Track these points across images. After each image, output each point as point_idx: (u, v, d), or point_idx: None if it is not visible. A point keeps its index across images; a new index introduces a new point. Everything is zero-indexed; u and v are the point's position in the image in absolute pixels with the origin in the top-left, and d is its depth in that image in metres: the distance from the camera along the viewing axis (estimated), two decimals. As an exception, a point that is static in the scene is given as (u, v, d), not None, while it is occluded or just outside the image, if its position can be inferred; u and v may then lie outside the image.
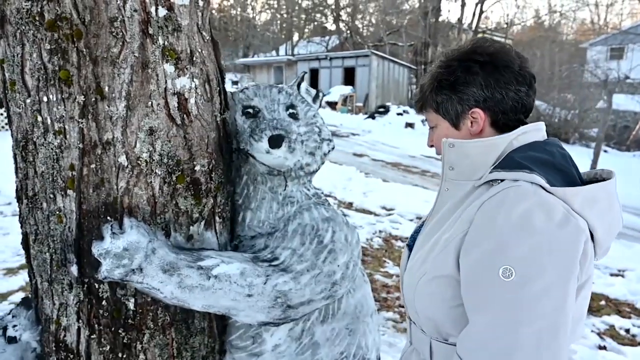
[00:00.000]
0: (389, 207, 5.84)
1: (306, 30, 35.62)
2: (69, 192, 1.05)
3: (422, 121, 16.41)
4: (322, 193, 1.55)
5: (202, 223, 1.21)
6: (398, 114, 16.85)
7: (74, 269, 1.08)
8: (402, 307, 3.45)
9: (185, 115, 1.12)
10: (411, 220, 5.46)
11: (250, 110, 1.34)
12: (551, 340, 0.74)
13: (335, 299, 1.36)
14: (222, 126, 1.25)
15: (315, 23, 35.08)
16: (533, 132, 0.95)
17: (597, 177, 0.95)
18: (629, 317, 3.53)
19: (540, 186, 0.81)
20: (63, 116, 1.02)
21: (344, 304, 1.41)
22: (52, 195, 1.08)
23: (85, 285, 1.09)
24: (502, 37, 25.89)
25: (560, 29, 30.10)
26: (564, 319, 0.76)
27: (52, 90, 1.01)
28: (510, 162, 0.89)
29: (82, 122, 1.02)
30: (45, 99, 1.02)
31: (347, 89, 18.56)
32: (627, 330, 3.32)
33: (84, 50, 0.99)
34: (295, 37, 34.30)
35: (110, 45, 1.00)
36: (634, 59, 14.58)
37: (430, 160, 10.62)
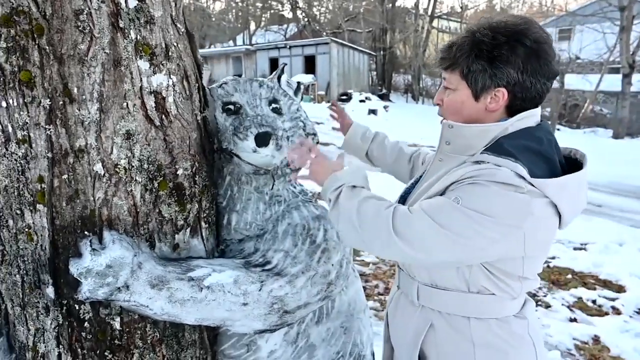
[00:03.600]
0: (359, 195, 5.84)
1: (263, 18, 34.96)
2: (39, 206, 0.95)
3: (385, 107, 16.55)
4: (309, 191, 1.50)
5: (188, 230, 1.13)
6: (360, 101, 16.90)
7: (50, 291, 0.98)
8: (381, 294, 3.47)
9: (164, 116, 1.03)
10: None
11: (231, 107, 1.26)
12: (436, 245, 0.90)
13: (330, 299, 1.32)
14: (203, 125, 1.17)
15: (272, 11, 34.50)
16: (528, 118, 0.98)
17: (570, 156, 1.04)
18: (594, 289, 3.70)
19: (521, 176, 0.89)
20: (27, 123, 0.91)
21: (337, 303, 1.37)
22: (18, 212, 0.97)
23: (64, 308, 0.99)
24: (457, 21, 26.40)
25: (511, 11, 31.02)
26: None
27: (12, 94, 0.90)
28: (500, 147, 0.95)
29: (49, 129, 0.91)
30: (4, 104, 0.91)
31: (309, 78, 18.43)
32: (594, 302, 3.48)
33: (47, 47, 0.88)
34: (252, 26, 33.65)
35: (76, 42, 0.89)
36: (583, 39, 15.22)
37: (395, 145, 10.71)
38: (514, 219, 0.89)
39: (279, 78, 1.41)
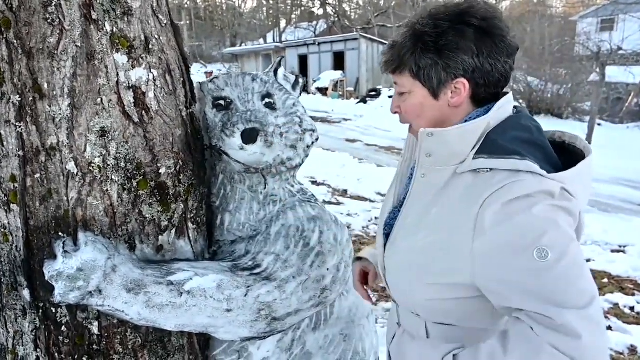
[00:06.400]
0: (384, 193, 5.72)
1: (293, 16, 35.06)
2: (13, 206, 0.92)
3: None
4: (315, 182, 1.43)
5: (173, 231, 1.09)
6: (390, 97, 16.66)
7: (25, 293, 0.95)
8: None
9: (143, 112, 0.98)
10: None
11: (222, 102, 1.21)
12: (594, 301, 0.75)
13: (327, 305, 1.24)
14: (189, 121, 1.12)
15: (302, 8, 34.52)
16: (506, 105, 0.90)
17: (555, 139, 0.96)
18: (633, 294, 3.46)
19: (539, 174, 0.80)
20: (-3, 120, 0.88)
21: (337, 309, 1.29)
22: (-6, 211, 0.94)
23: (41, 310, 0.96)
24: (491, 13, 25.52)
25: (549, 2, 29.82)
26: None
27: (-19, 90, 0.87)
28: (494, 146, 0.84)
29: (20, 126, 0.88)
30: (-26, 101, 0.88)
31: (337, 74, 18.31)
32: (632, 308, 3.25)
33: (15, 41, 0.85)
34: (283, 23, 33.79)
35: (46, 35, 0.85)
36: (626, 29, 14.39)
37: (424, 142, 10.47)
38: (571, 232, 0.79)
39: (275, 71, 1.34)
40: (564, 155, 0.90)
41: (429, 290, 0.92)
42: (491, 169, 0.83)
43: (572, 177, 0.82)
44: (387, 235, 1.03)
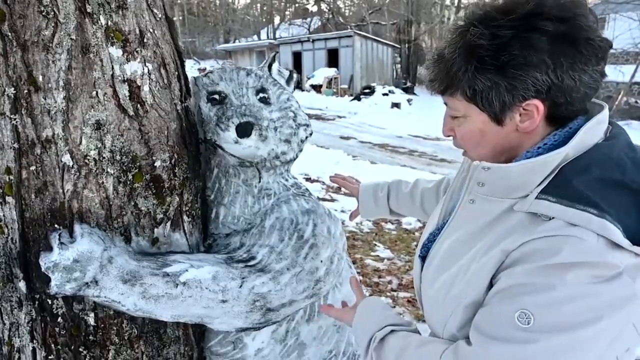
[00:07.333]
0: (377, 190, 5.74)
1: (287, 12, 34.94)
2: (8, 198, 0.93)
3: (408, 101, 16.28)
4: (309, 179, 1.44)
5: (168, 224, 1.10)
6: (384, 94, 16.67)
7: (21, 285, 0.96)
8: (395, 291, 3.39)
9: (139, 105, 0.99)
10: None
11: (216, 97, 1.21)
12: None
13: (321, 297, 1.26)
14: (184, 115, 1.12)
15: (297, 5, 34.41)
16: (596, 127, 0.68)
17: None
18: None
19: (615, 244, 0.60)
20: (-8, 112, 0.89)
21: (330, 300, 1.31)
22: (-11, 204, 0.95)
23: (37, 302, 0.97)
24: (484, 11, 25.64)
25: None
26: None
27: (-24, 82, 0.88)
28: (567, 188, 0.64)
29: (15, 118, 0.88)
30: (-31, 93, 0.89)
31: (331, 71, 18.30)
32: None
33: (10, 34, 0.85)
34: (277, 20, 33.68)
35: (40, 27, 0.86)
36: (616, 28, 14.52)
37: (417, 139, 10.53)
38: (616, 318, 0.60)
39: (269, 66, 1.35)
40: None
41: (462, 320, 0.75)
42: (553, 218, 0.64)
43: None
44: (422, 259, 0.88)
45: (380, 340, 0.81)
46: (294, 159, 1.32)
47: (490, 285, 0.69)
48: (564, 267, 0.61)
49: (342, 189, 1.45)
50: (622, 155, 0.66)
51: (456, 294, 0.74)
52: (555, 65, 0.64)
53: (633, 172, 0.65)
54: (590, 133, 0.68)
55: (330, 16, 28.34)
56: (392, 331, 0.81)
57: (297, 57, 20.31)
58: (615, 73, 13.15)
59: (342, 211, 4.86)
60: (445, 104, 0.77)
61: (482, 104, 0.69)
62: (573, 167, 0.66)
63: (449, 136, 0.80)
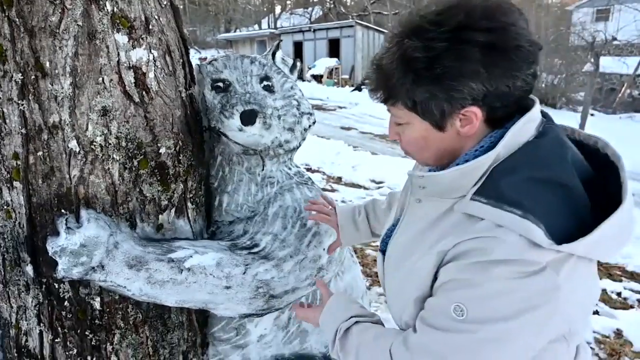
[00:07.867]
0: (378, 180, 5.75)
1: (288, 2, 34.66)
2: (15, 183, 0.94)
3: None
4: (310, 169, 1.44)
5: (173, 210, 1.11)
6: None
7: (29, 269, 0.97)
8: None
9: (144, 92, 0.99)
10: (401, 192, 5.38)
11: (220, 84, 1.22)
12: None
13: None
14: (188, 103, 1.13)
15: (298, -6, 34.11)
16: (526, 125, 0.71)
17: (596, 147, 0.77)
18: (620, 280, 3.54)
19: (535, 244, 0.65)
20: None
21: (332, 289, 1.32)
22: (-3, 188, 0.96)
23: (44, 286, 0.99)
24: None
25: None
26: None
27: (-16, 68, 0.88)
28: (496, 189, 0.68)
29: (22, 104, 0.89)
30: (-23, 78, 0.89)
31: (333, 61, 18.20)
32: (619, 294, 3.33)
33: (17, 20, 0.85)
34: (278, 9, 33.41)
35: (47, 13, 0.86)
36: (621, 19, 14.42)
37: (418, 130, 10.48)
38: (541, 310, 0.66)
39: (273, 55, 1.36)
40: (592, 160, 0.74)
41: (414, 312, 0.81)
42: (483, 220, 0.68)
43: (590, 244, 0.64)
44: (383, 252, 0.91)
45: (345, 331, 0.85)
46: (297, 147, 1.33)
47: (434, 280, 0.75)
48: (491, 264, 0.66)
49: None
50: (550, 152, 0.69)
51: (407, 288, 0.79)
52: (489, 74, 0.66)
53: (560, 168, 0.68)
54: (520, 132, 0.70)
55: (332, 6, 28.11)
56: (356, 322, 0.86)
57: (298, 47, 20.18)
58: (620, 65, 13.08)
59: (343, 201, 4.87)
60: (389, 110, 0.79)
61: (422, 113, 0.72)
62: (502, 168, 0.69)
63: (394, 140, 0.84)
